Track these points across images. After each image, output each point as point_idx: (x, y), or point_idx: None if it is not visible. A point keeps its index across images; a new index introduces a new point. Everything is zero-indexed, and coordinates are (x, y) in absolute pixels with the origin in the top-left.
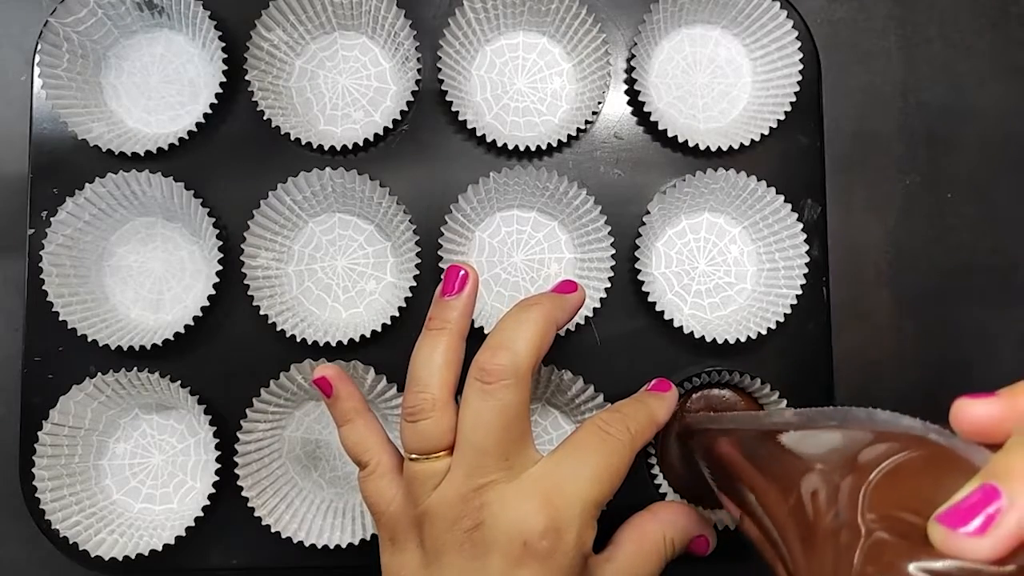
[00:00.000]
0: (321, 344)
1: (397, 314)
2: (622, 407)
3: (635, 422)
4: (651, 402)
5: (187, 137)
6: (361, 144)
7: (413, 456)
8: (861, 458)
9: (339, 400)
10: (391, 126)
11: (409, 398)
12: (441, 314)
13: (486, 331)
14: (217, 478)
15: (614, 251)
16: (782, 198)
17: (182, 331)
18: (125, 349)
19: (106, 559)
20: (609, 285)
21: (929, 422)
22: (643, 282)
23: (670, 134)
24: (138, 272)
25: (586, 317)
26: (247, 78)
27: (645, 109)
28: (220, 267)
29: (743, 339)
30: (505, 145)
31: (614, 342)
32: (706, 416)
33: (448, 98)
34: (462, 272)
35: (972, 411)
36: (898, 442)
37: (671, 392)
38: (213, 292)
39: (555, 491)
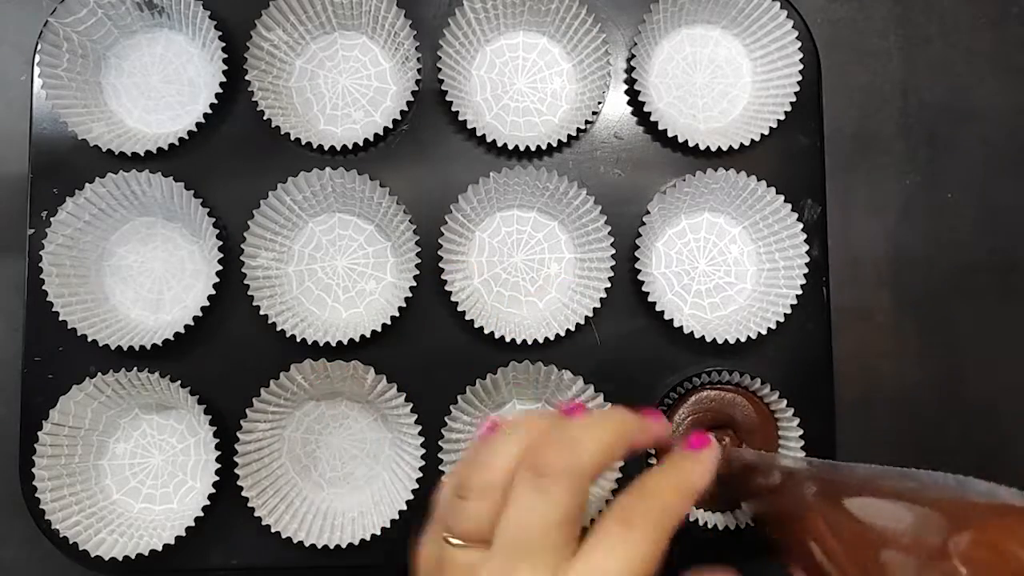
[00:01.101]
0: (321, 344)
1: (397, 314)
2: (647, 483)
3: (661, 502)
4: (686, 467)
5: (187, 137)
6: (361, 144)
7: (453, 540)
8: (955, 540)
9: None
10: (391, 126)
11: (468, 474)
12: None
13: (486, 331)
14: (217, 478)
15: (614, 251)
16: (782, 198)
17: (182, 331)
18: (125, 349)
19: (106, 559)
20: (609, 285)
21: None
22: (643, 282)
23: (670, 134)
24: (138, 272)
25: (586, 317)
26: (247, 78)
27: (645, 109)
28: (220, 267)
29: (743, 339)
30: (505, 145)
31: (614, 342)
32: (761, 454)
33: (448, 98)
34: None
35: None
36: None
37: (710, 449)
38: (213, 292)
39: None
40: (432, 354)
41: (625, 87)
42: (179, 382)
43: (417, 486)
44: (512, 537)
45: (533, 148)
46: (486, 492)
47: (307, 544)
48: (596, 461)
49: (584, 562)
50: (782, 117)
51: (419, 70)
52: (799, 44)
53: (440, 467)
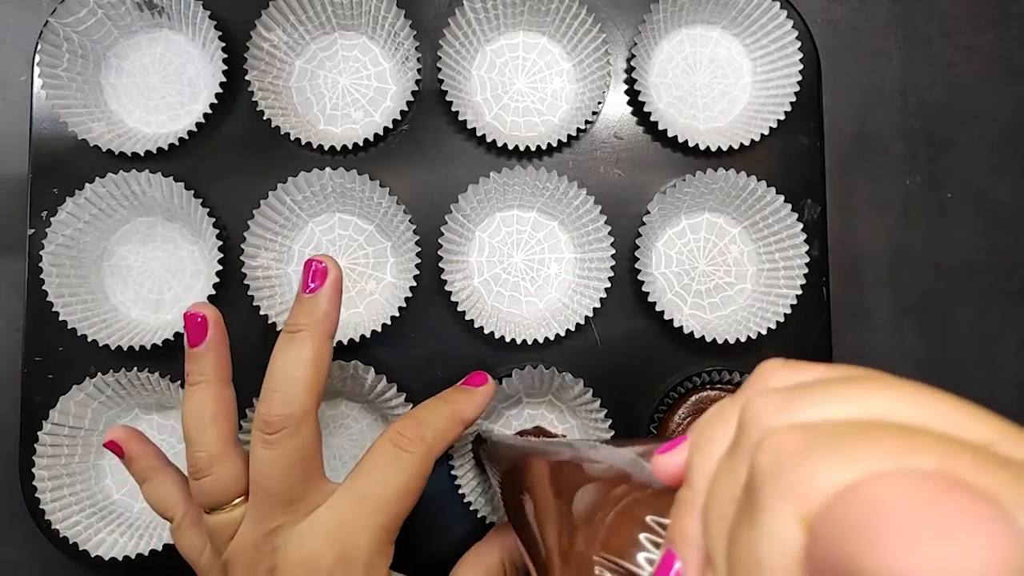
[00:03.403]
0: None
1: (397, 314)
2: (421, 411)
3: (433, 428)
4: (457, 399)
5: (187, 137)
6: (361, 144)
7: (207, 510)
8: (609, 494)
9: (133, 460)
10: (391, 126)
11: (188, 457)
12: (195, 367)
13: (486, 331)
14: None
15: (614, 251)
16: (782, 198)
17: (182, 331)
18: (125, 349)
19: (106, 559)
20: (609, 285)
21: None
22: (643, 282)
23: (670, 134)
24: (138, 272)
25: (586, 317)
26: (247, 78)
27: (645, 109)
28: (220, 267)
29: (743, 339)
30: (505, 145)
31: (614, 342)
32: (510, 437)
33: (448, 98)
34: (200, 318)
35: (664, 465)
36: (629, 481)
37: (485, 387)
38: (213, 292)
39: (343, 523)
40: (432, 354)
41: (625, 87)
42: (179, 382)
43: None
44: (258, 487)
45: (533, 148)
46: (208, 467)
47: None
48: (309, 400)
49: (347, 490)
50: (782, 117)
51: (419, 70)
52: (799, 44)
53: (439, 467)
